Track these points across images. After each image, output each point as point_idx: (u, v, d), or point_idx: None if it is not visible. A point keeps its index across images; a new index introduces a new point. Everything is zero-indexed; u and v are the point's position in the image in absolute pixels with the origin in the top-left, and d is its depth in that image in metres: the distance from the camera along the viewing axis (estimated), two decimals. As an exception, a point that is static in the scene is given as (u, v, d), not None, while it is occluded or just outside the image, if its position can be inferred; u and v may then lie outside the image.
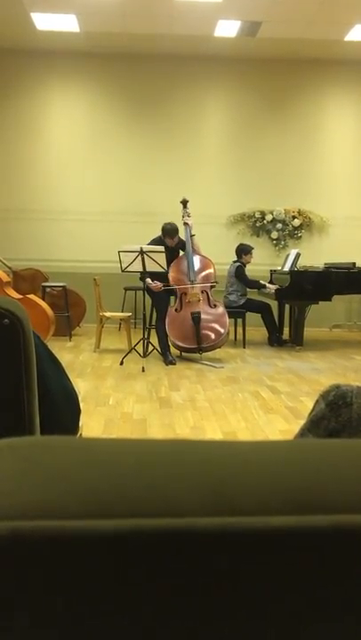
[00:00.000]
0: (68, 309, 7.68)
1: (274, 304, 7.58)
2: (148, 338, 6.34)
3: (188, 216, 6.82)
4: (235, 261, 7.56)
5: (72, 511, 0.36)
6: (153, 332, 6.59)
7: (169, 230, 6.53)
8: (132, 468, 0.39)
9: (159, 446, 0.42)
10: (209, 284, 6.67)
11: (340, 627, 0.40)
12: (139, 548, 0.36)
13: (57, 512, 0.35)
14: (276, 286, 7.34)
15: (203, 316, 6.46)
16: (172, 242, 6.57)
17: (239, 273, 7.42)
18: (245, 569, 0.37)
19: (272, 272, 7.97)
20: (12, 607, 0.36)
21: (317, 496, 0.38)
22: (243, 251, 7.57)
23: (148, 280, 6.35)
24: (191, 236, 6.73)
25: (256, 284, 7.44)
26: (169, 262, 6.39)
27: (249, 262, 7.54)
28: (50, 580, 0.36)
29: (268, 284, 7.48)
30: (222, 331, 6.49)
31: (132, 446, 0.42)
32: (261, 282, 7.48)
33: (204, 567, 0.37)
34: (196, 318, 6.42)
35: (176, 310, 6.59)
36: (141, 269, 6.06)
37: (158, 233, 6.66)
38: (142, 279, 6.36)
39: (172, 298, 6.82)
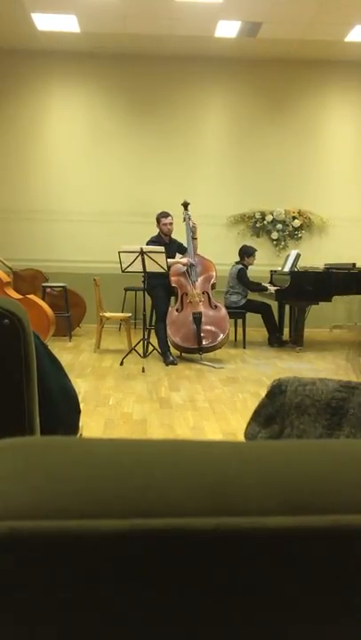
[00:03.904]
0: (68, 310, 7.68)
1: (274, 304, 7.58)
2: (149, 338, 6.33)
3: (190, 218, 6.82)
4: (237, 263, 7.53)
5: (72, 511, 0.36)
6: (153, 333, 6.59)
7: (160, 214, 6.63)
8: (132, 469, 0.39)
9: (159, 446, 0.42)
10: (209, 284, 6.69)
11: (338, 627, 0.40)
12: (138, 548, 0.36)
13: (57, 512, 0.36)
14: (277, 287, 7.35)
15: (203, 317, 6.47)
16: (168, 228, 6.57)
17: (241, 276, 7.38)
18: (244, 569, 0.37)
19: (272, 272, 7.97)
20: (11, 607, 0.37)
21: (316, 496, 0.38)
22: (245, 253, 7.53)
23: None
24: (193, 238, 6.74)
25: (258, 287, 7.43)
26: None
27: (251, 264, 7.52)
28: (49, 580, 0.36)
29: (269, 286, 7.47)
30: (223, 332, 6.50)
31: (132, 446, 0.42)
32: (263, 284, 7.48)
33: (203, 567, 0.37)
34: (196, 319, 6.42)
35: (177, 311, 6.60)
36: (142, 270, 6.06)
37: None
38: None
39: (173, 298, 6.83)
